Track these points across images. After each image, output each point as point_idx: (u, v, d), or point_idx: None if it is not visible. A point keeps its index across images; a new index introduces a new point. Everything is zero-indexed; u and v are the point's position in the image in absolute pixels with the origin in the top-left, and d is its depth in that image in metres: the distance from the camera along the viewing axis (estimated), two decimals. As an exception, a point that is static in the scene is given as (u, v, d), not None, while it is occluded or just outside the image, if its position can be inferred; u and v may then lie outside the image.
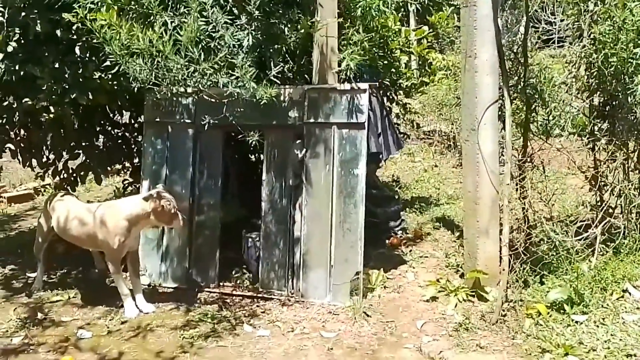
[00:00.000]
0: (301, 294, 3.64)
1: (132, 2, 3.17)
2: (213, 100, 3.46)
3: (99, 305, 3.71)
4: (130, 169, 5.12)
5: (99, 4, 3.09)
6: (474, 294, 3.44)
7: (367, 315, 3.38)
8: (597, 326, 2.97)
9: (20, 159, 4.54)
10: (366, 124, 3.54)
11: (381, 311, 3.45)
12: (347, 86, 3.60)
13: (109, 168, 5.01)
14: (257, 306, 3.56)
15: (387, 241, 4.48)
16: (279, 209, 3.72)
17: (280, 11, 3.71)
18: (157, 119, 4.01)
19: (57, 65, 3.72)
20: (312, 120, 3.65)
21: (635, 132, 3.60)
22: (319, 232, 3.62)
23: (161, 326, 3.40)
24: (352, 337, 3.19)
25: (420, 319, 3.32)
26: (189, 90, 3.39)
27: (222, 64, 3.11)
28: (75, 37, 3.65)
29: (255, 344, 3.16)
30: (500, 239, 3.32)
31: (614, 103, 3.67)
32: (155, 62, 3.10)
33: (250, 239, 3.85)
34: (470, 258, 3.48)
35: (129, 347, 3.18)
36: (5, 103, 4.12)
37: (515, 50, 3.68)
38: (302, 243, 3.65)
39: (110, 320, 3.50)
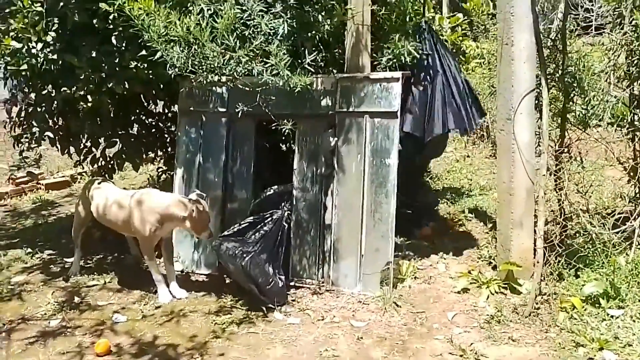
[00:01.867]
0: (331, 283, 3.65)
1: (169, -11, 3.21)
2: (247, 88, 3.48)
3: (134, 290, 3.79)
4: (163, 158, 5.21)
5: (136, -8, 3.14)
6: (506, 286, 3.40)
7: (397, 306, 3.38)
8: (634, 321, 2.90)
9: (59, 147, 4.65)
10: (399, 112, 3.51)
11: (411, 302, 3.44)
12: (379, 75, 3.58)
13: (144, 156, 5.10)
14: (288, 294, 3.58)
15: (418, 232, 4.45)
16: (311, 198, 3.73)
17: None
18: (191, 108, 4.06)
19: (94, 55, 3.79)
20: (344, 109, 3.64)
21: (678, 123, 3.49)
22: (350, 221, 3.62)
23: (194, 312, 3.46)
24: (382, 327, 3.19)
25: (451, 311, 3.30)
26: (224, 78, 3.41)
27: (257, 51, 3.13)
28: (111, 27, 3.71)
29: (286, 331, 3.19)
30: (535, 231, 3.27)
31: (655, 92, 3.56)
32: (192, 50, 3.13)
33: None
34: (504, 250, 3.43)
35: (162, 331, 3.25)
36: (44, 92, 4.21)
37: (553, 38, 3.59)
38: (332, 232, 3.66)
39: (144, 305, 3.58)
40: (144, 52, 3.54)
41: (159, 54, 3.14)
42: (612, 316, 2.96)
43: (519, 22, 3.19)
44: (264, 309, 3.40)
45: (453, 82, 3.85)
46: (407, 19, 3.88)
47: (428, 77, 3.87)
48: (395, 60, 3.62)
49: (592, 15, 4.09)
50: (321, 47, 3.79)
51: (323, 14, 3.50)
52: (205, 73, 3.17)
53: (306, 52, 3.30)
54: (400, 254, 3.97)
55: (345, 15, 3.56)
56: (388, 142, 3.54)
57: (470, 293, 3.49)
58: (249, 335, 3.17)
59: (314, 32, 3.55)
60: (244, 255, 3.37)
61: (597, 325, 2.91)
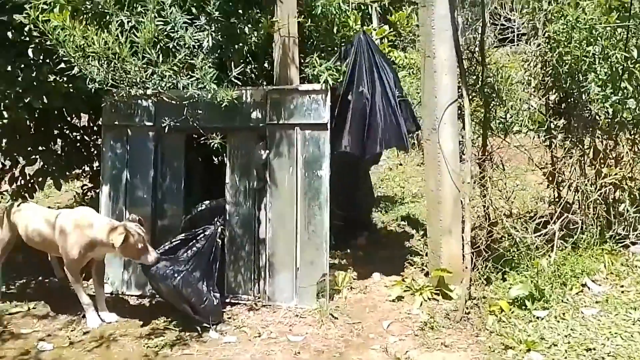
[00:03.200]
0: (268, 298, 3.61)
1: (87, 2, 3.09)
2: (173, 102, 3.40)
3: (60, 315, 3.60)
4: (89, 174, 5.00)
5: (52, 4, 3.00)
6: (438, 292, 3.48)
7: (334, 317, 3.39)
8: (558, 321, 3.04)
9: (-27, 166, 4.37)
10: (329, 124, 3.54)
11: (348, 312, 3.46)
12: (308, 87, 3.59)
13: (67, 173, 4.88)
14: (224, 311, 3.51)
15: (354, 242, 4.49)
16: (244, 212, 3.69)
17: (240, 11, 3.67)
18: (116, 122, 3.92)
19: (9, 69, 3.59)
20: (274, 121, 3.62)
21: (590, 129, 3.70)
22: (284, 234, 3.60)
23: (125, 335, 3.32)
24: (319, 340, 3.19)
25: (387, 319, 3.35)
26: (148, 92, 3.31)
27: (181, 65, 3.06)
28: (27, 39, 3.53)
29: (222, 350, 3.12)
30: (463, 237, 3.37)
31: (569, 100, 3.77)
32: (112, 64, 3.03)
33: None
34: (434, 257, 3.52)
35: (92, 358, 3.10)
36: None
37: (473, 50, 3.73)
38: (267, 246, 3.63)
39: (72, 331, 3.41)
40: (62, 65, 3.39)
41: (76, 69, 3.01)
42: (537, 317, 3.09)
43: (440, 35, 3.29)
44: (199, 328, 3.31)
45: (392, 97, 3.67)
46: (335, 31, 3.92)
47: (366, 91, 3.70)
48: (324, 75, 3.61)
49: (512, 26, 4.29)
50: (249, 59, 3.77)
51: (249, 26, 3.48)
52: (127, 87, 3.07)
53: (232, 65, 3.26)
54: (335, 264, 3.99)
55: (272, 27, 3.55)
56: (319, 153, 3.55)
57: (405, 301, 3.55)
58: (183, 357, 3.07)
59: (240, 44, 3.52)
60: (176, 274, 3.27)
61: (524, 327, 3.03)
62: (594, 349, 2.77)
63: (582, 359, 2.73)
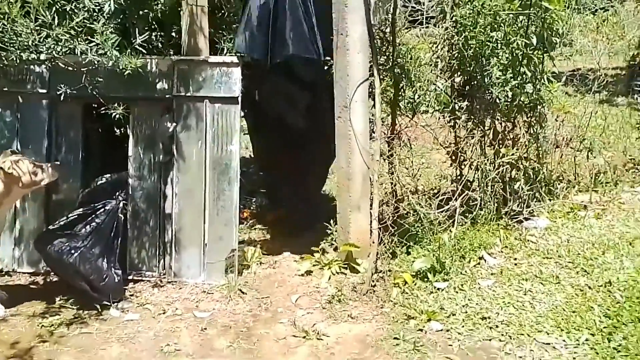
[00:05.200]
0: (174, 274, 3.52)
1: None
2: (70, 68, 3.17)
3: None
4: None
5: None
6: (346, 266, 3.54)
7: (243, 293, 3.36)
8: (457, 292, 3.20)
9: None
10: (239, 98, 3.46)
11: (257, 288, 3.44)
12: (218, 59, 3.49)
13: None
14: (126, 289, 3.38)
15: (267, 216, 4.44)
16: (149, 186, 3.54)
17: (146, -25, 3.48)
18: (5, 88, 3.59)
19: None
20: (182, 93, 3.49)
21: (491, 111, 3.88)
22: (192, 209, 3.51)
23: (16, 315, 3.13)
24: (226, 315, 3.16)
25: (295, 294, 3.37)
26: (42, 57, 3.07)
27: (79, 29, 2.87)
28: None
29: (124, 328, 3.02)
30: (371, 213, 3.45)
31: (473, 83, 3.92)
32: (1, 25, 2.78)
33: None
34: (343, 232, 3.57)
35: (-23, 340, 2.89)
36: None
37: (385, 30, 3.78)
38: (173, 221, 3.52)
39: (-46, 312, 3.15)
40: (-58, 24, 3.05)
41: (-42, 28, 2.73)
42: (438, 289, 3.23)
43: (353, 13, 3.29)
44: (98, 306, 3.18)
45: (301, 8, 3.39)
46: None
47: None
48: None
49: (422, 9, 4.38)
50: (155, 26, 3.59)
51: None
52: (17, 51, 2.83)
53: (137, 32, 3.09)
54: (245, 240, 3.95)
55: (180, -6, 3.40)
56: (230, 127, 3.47)
57: (314, 275, 3.58)
58: (81, 336, 2.95)
59: (146, 10, 3.34)
60: (72, 250, 3.10)
61: (425, 298, 3.16)
62: (489, 318, 2.94)
63: (478, 327, 2.89)
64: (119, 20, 3.14)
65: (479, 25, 3.59)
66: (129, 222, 3.51)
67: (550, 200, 4.06)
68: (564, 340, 2.73)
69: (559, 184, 4.27)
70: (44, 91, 3.55)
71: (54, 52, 2.90)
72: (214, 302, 3.29)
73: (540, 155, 4.12)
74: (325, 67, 3.62)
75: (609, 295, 3.01)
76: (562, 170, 4.45)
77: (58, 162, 3.13)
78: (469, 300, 3.11)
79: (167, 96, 3.50)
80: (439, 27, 3.95)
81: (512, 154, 3.78)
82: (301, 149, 3.85)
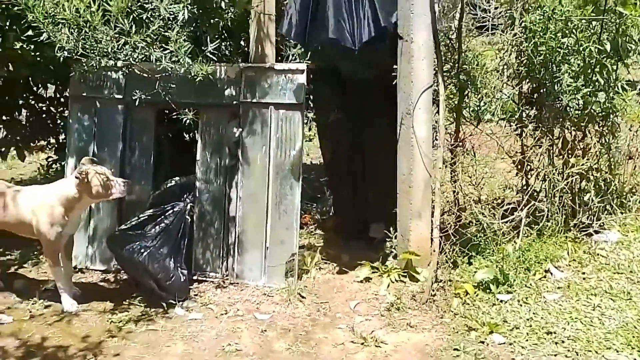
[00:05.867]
0: (236, 276, 3.60)
1: (58, -32, 2.98)
2: (145, 75, 3.32)
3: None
4: (55, 146, 4.87)
5: (20, -32, 2.89)
6: (405, 274, 3.51)
7: (302, 297, 3.39)
8: (521, 305, 3.11)
9: None
10: (304, 105, 3.51)
11: (316, 292, 3.47)
12: (284, 66, 3.55)
13: (32, 144, 4.75)
14: (190, 288, 3.49)
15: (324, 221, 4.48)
16: (214, 189, 3.65)
17: (217, -15, 3.60)
18: (84, 94, 3.81)
19: (-28, 34, 3.46)
20: (248, 99, 3.58)
21: (561, 120, 3.76)
22: (255, 213, 3.58)
23: (88, 310, 3.27)
24: (286, 318, 3.19)
25: (354, 300, 3.37)
26: (119, 63, 3.23)
27: (155, 37, 2.99)
28: (-7, 3, 3.40)
29: (187, 327, 3.10)
30: (432, 221, 3.41)
31: (541, 91, 3.81)
32: (83, 32, 2.94)
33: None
34: (403, 239, 3.55)
35: (52, 332, 3.05)
36: None
37: (450, 36, 3.74)
38: (237, 224, 3.60)
39: (33, 304, 3.34)
40: (30, 32, 3.27)
41: (45, 35, 2.91)
42: (501, 301, 3.15)
43: (418, 20, 3.28)
44: (164, 305, 3.28)
45: None
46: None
47: None
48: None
49: (489, 16, 4.31)
50: (225, 35, 3.71)
51: (226, 1, 3.41)
52: (97, 57, 2.99)
53: (208, 40, 3.20)
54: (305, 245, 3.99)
55: (248, 3, 3.49)
56: (293, 133, 3.53)
57: (372, 282, 3.57)
58: (147, 333, 3.05)
59: (217, 19, 3.45)
60: (142, 250, 3.23)
61: (487, 310, 3.09)
62: (555, 333, 2.84)
63: (543, 341, 2.80)
64: (192, 29, 3.24)
65: (549, 31, 3.49)
66: (195, 223, 3.63)
67: (622, 213, 3.88)
68: (635, 359, 2.60)
69: (631, 197, 4.07)
70: (120, 97, 3.74)
71: (130, 59, 3.03)
72: (274, 305, 3.34)
73: (612, 166, 3.95)
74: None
75: (684, 315, 2.85)
76: (635, 183, 4.24)
77: (129, 181, 3.25)
78: (533, 313, 3.02)
79: (234, 102, 3.59)
80: (506, 33, 3.87)
81: (582, 164, 3.64)
82: (369, 155, 3.90)
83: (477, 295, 3.21)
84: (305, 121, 3.87)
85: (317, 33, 3.24)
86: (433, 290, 3.29)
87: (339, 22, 3.15)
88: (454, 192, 3.77)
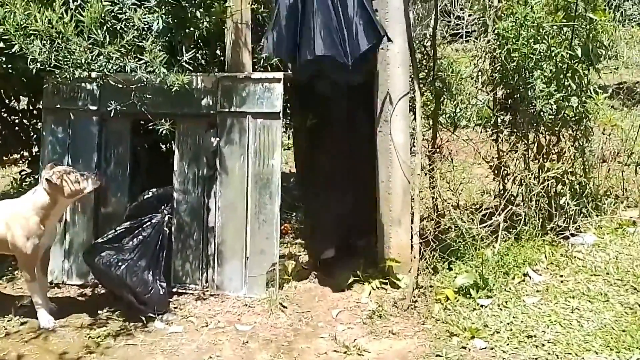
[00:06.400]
0: (216, 287, 3.56)
1: (29, -22, 2.94)
2: (120, 85, 3.28)
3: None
4: (29, 159, 4.78)
5: (-10, -22, 2.84)
6: (387, 281, 3.52)
7: (283, 307, 3.37)
8: (501, 309, 3.13)
9: None
10: (281, 113, 3.51)
11: (297, 302, 3.45)
12: (261, 75, 3.54)
13: (5, 158, 4.66)
14: (170, 301, 3.44)
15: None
16: (193, 200, 3.62)
17: (192, -6, 3.58)
18: (58, 105, 3.75)
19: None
20: (225, 109, 3.56)
21: (535, 124, 3.82)
22: (234, 223, 3.55)
23: (65, 326, 3.21)
24: (267, 329, 3.17)
25: (336, 308, 3.36)
26: (93, 74, 3.19)
27: (129, 47, 2.96)
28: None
29: (168, 340, 3.06)
30: (412, 228, 3.42)
31: (515, 96, 3.87)
32: (56, 44, 2.90)
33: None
34: (384, 246, 3.55)
35: (29, 349, 2.99)
36: None
37: (425, 44, 3.78)
38: (216, 235, 3.57)
39: (8, 321, 3.26)
40: (1, 45, 3.21)
41: (17, 47, 2.86)
42: (481, 305, 3.17)
43: (394, 27, 3.30)
44: (144, 318, 3.23)
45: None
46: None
47: None
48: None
49: (462, 23, 4.37)
50: (201, 44, 3.68)
51: (201, 10, 3.39)
52: (71, 69, 2.95)
53: (183, 49, 3.18)
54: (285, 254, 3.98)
55: (224, 13, 3.48)
56: (271, 142, 3.52)
57: (354, 290, 3.56)
58: (126, 348, 3.00)
59: (192, 29, 3.43)
60: (120, 263, 3.18)
61: (468, 315, 3.10)
62: (535, 336, 2.87)
63: (524, 345, 2.82)
64: (167, 39, 3.22)
65: (521, 37, 3.55)
66: (173, 235, 3.59)
67: (597, 216, 3.96)
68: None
69: (606, 199, 4.15)
70: (95, 108, 3.69)
71: (105, 70, 2.99)
72: (255, 316, 3.31)
73: (587, 170, 4.02)
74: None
75: (662, 315, 2.91)
76: (609, 185, 4.33)
77: (99, 171, 3.23)
78: (513, 317, 3.04)
79: (211, 112, 3.57)
80: (480, 40, 3.92)
81: (558, 168, 3.70)
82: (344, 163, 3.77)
83: (457, 301, 3.23)
84: (284, 129, 3.85)
85: (308, 50, 3.05)
86: (414, 297, 3.30)
87: (331, 37, 3.03)
88: (432, 198, 3.80)
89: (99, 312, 3.35)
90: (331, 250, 3.82)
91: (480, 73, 3.90)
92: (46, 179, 3.07)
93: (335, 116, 3.75)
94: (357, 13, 3.05)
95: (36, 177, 4.24)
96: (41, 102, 3.92)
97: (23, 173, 4.93)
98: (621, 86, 4.78)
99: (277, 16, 3.12)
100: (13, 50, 2.92)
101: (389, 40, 3.17)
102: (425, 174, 3.67)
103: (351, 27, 3.05)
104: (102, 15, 2.84)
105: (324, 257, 3.81)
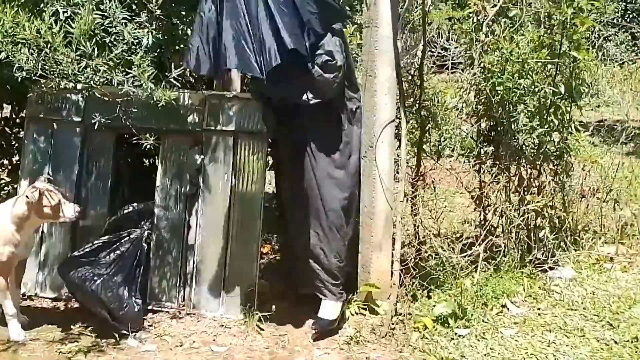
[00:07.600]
0: (193, 306, 3.51)
1: (20, -13, 2.94)
2: (106, 98, 3.27)
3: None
4: (9, 168, 4.70)
5: (-21, -14, 2.84)
6: (366, 307, 3.50)
7: (260, 329, 3.33)
8: (478, 340, 3.13)
9: None
10: (267, 134, 3.51)
11: (275, 324, 3.41)
12: (248, 95, 3.56)
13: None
14: (145, 319, 3.38)
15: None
16: (174, 217, 3.58)
17: (184, 13, 3.61)
18: (42, 115, 3.70)
19: None
20: (212, 127, 3.55)
21: (517, 157, 3.87)
22: (215, 241, 3.52)
23: (35, 340, 3.13)
24: (243, 351, 3.12)
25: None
26: (79, 86, 3.18)
27: (117, 61, 2.97)
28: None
29: (140, 359, 3.00)
30: (393, 254, 3.42)
31: (499, 129, 3.93)
32: (43, 53, 2.90)
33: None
34: (364, 272, 3.54)
35: (-5, 363, 2.90)
36: None
37: (412, 73, 3.84)
38: (196, 253, 3.53)
39: (-25, 335, 3.17)
40: (-14, 52, 3.19)
41: (3, 54, 2.85)
42: (459, 335, 3.16)
43: (382, 56, 3.35)
44: (117, 335, 3.16)
45: (245, 21, 2.92)
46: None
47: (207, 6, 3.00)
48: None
49: (449, 54, 4.44)
50: (190, 61, 3.68)
51: (192, 28, 3.41)
52: (57, 79, 2.93)
53: (172, 66, 3.19)
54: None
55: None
56: (255, 162, 3.51)
57: (332, 314, 3.53)
58: (97, 365, 2.93)
59: (182, 46, 3.45)
60: (95, 278, 3.13)
61: (445, 345, 3.09)
62: (511, 368, 2.87)
63: (499, 377, 2.82)
64: (156, 54, 3.23)
65: (506, 72, 3.62)
66: (152, 251, 3.54)
67: (575, 250, 4.00)
68: (588, 396, 2.65)
69: (584, 234, 4.21)
70: (79, 119, 3.65)
71: (91, 82, 2.98)
72: (231, 337, 3.26)
73: (566, 204, 4.08)
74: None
75: (636, 351, 2.92)
76: (588, 221, 4.39)
77: (81, 208, 3.15)
78: (490, 349, 3.04)
79: (197, 129, 3.56)
80: (466, 72, 3.99)
81: (538, 202, 3.74)
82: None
83: (435, 330, 3.22)
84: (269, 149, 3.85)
85: (220, 64, 2.97)
86: (392, 324, 3.28)
87: (243, 50, 2.87)
88: (414, 225, 3.81)
89: (72, 326, 3.28)
90: (309, 288, 3.56)
91: (465, 104, 3.96)
92: (27, 194, 3.02)
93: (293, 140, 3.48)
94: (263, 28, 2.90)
95: (15, 186, 4.17)
96: (25, 111, 3.87)
97: (2, 182, 4.84)
98: (602, 124, 4.90)
99: (195, 30, 3.02)
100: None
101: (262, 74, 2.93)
102: (408, 201, 3.69)
103: (262, 41, 2.88)
104: (92, 27, 2.85)
105: (302, 292, 3.67)
